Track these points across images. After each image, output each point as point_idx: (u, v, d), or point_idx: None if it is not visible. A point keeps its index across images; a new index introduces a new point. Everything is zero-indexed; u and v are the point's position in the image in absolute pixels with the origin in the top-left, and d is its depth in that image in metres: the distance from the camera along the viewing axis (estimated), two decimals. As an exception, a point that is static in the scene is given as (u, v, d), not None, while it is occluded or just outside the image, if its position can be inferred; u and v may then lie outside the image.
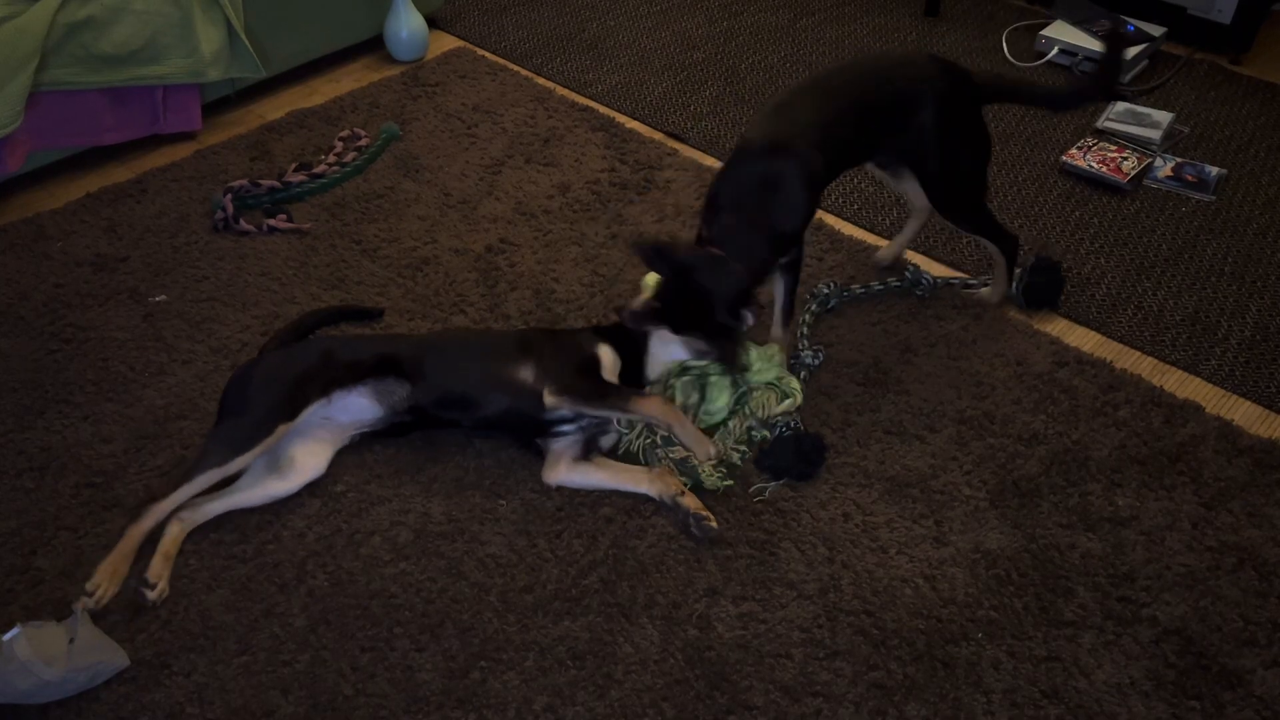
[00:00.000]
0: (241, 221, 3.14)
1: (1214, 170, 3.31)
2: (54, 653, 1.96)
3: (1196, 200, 3.23)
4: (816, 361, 2.63)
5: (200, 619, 2.12)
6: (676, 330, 2.36)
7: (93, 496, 2.36)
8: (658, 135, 3.59)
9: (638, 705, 1.96)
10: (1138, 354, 2.72)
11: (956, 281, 2.90)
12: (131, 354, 2.72)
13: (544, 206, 3.24)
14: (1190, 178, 3.29)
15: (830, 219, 3.20)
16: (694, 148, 3.53)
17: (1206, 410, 2.53)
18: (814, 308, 2.79)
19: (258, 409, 2.28)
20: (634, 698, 1.98)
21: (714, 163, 3.44)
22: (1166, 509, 2.30)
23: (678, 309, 2.31)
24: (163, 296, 2.90)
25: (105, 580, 2.13)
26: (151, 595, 2.12)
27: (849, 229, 3.16)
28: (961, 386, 2.61)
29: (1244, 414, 2.54)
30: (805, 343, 2.67)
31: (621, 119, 3.66)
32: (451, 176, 3.37)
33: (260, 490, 2.31)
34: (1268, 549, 2.21)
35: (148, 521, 2.21)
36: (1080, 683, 1.99)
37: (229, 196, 3.17)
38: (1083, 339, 2.77)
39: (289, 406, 2.29)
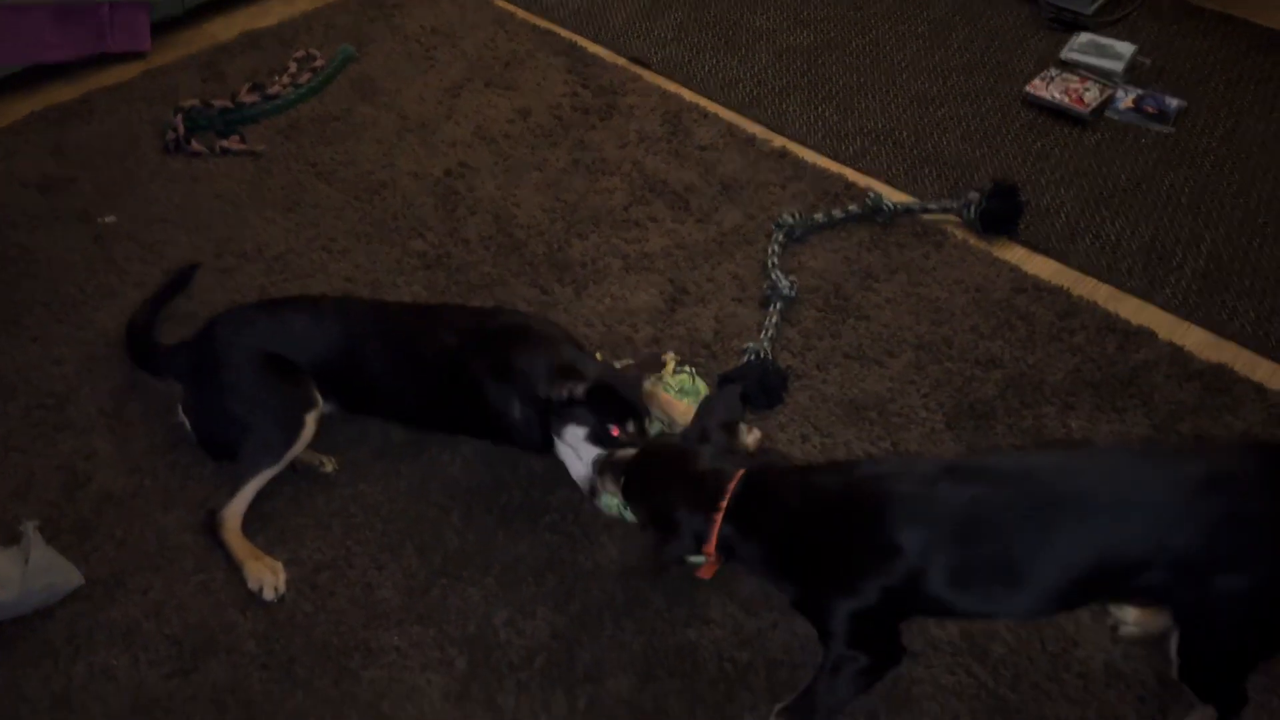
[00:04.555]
0: (193, 143, 3.06)
1: (1174, 102, 3.32)
2: (8, 574, 1.94)
3: (1156, 132, 3.25)
4: (792, 293, 2.63)
5: (156, 538, 2.10)
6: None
7: (44, 418, 2.32)
8: (621, 60, 3.53)
9: (598, 619, 1.98)
10: (1094, 281, 2.75)
11: (916, 207, 2.90)
12: (81, 276, 2.66)
13: (504, 131, 3.19)
14: (1150, 109, 3.31)
15: (794, 146, 3.18)
16: (657, 74, 3.48)
17: (1160, 336, 2.57)
18: (781, 238, 2.78)
19: (275, 410, 2.15)
20: (594, 611, 2.00)
21: (677, 88, 3.40)
22: (1118, 431, 2.34)
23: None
24: (112, 218, 2.84)
25: (264, 573, 2.02)
26: (270, 595, 2.02)
27: (812, 156, 3.14)
28: (921, 312, 2.62)
29: (1196, 340, 2.58)
30: (779, 274, 2.66)
31: (584, 43, 3.60)
32: (409, 100, 3.31)
33: None
34: (1214, 469, 2.27)
35: (231, 522, 2.08)
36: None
37: (180, 117, 3.09)
38: (1041, 266, 2.79)
39: (303, 395, 2.18)
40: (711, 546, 1.73)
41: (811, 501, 1.70)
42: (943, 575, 1.57)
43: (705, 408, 1.91)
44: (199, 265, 2.64)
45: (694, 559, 1.90)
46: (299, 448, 2.15)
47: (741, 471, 1.74)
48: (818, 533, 1.68)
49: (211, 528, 2.08)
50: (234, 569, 2.04)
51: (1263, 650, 1.63)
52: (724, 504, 1.71)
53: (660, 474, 1.82)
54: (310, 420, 2.16)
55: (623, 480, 1.88)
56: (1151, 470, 1.58)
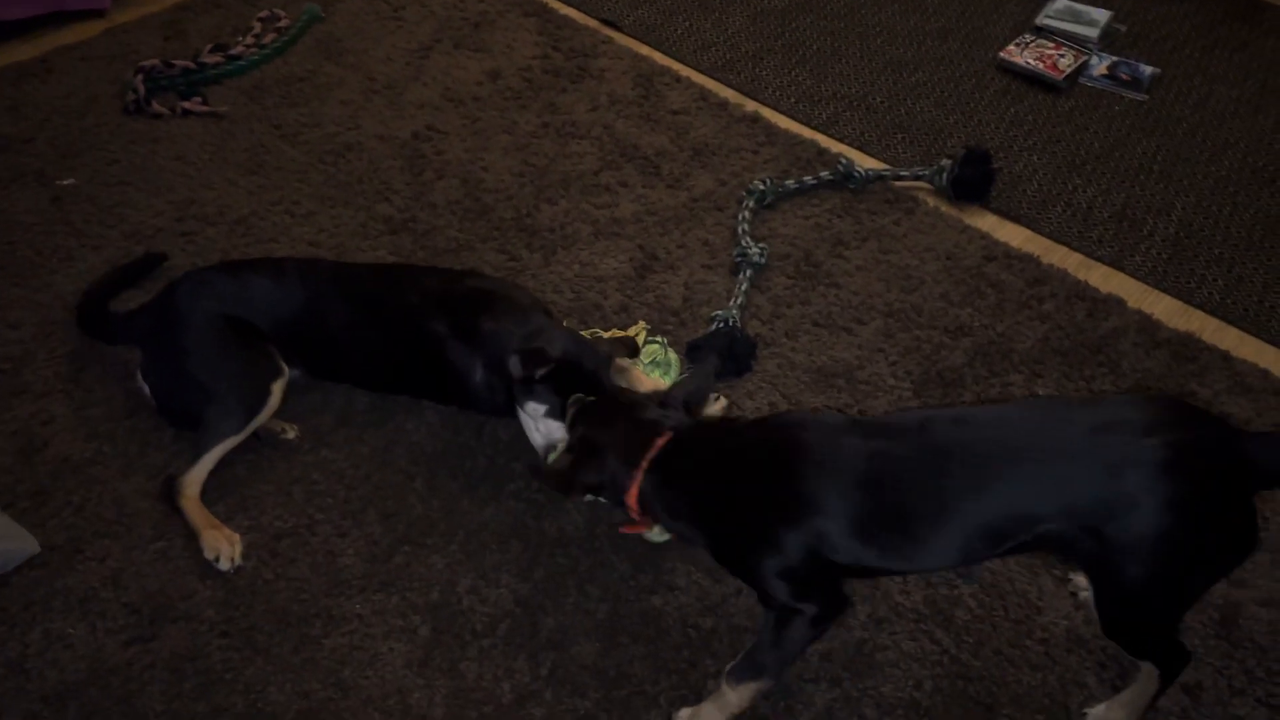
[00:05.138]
0: (154, 104, 3.00)
1: (1148, 69, 3.31)
2: (-40, 540, 1.91)
3: (1130, 99, 3.24)
4: (763, 260, 2.60)
5: (115, 505, 2.07)
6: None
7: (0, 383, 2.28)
8: (592, 22, 3.47)
9: (562, 586, 1.97)
10: (1065, 249, 2.74)
11: (888, 173, 2.88)
12: (39, 238, 2.61)
13: (473, 93, 3.14)
14: (1125, 76, 3.29)
15: (766, 112, 3.14)
16: (629, 36, 3.43)
17: (1129, 304, 2.57)
18: (752, 204, 2.75)
19: (240, 378, 2.11)
20: (558, 579, 1.98)
21: (650, 52, 3.36)
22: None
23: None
24: (71, 180, 2.78)
25: (220, 543, 1.98)
26: (226, 566, 1.98)
27: (785, 122, 3.11)
28: (891, 280, 2.61)
29: (1164, 308, 2.58)
30: (749, 240, 2.64)
31: (555, 4, 3.53)
32: (376, 60, 3.25)
33: None
34: (1179, 437, 2.27)
35: (190, 490, 2.04)
36: (994, 564, 2.04)
37: (140, 77, 3.02)
38: (1012, 234, 2.78)
39: (267, 363, 2.14)
40: (632, 497, 1.75)
41: (727, 454, 1.72)
42: (849, 525, 1.57)
43: (680, 380, 1.90)
44: (166, 257, 2.53)
45: (655, 537, 1.99)
46: (264, 417, 2.11)
47: (671, 432, 1.76)
48: (732, 482, 1.69)
49: (170, 495, 2.05)
50: (192, 537, 2.02)
51: (1177, 601, 1.61)
52: (649, 457, 1.73)
53: (605, 416, 1.85)
54: (277, 389, 2.13)
55: (573, 411, 1.91)
56: (1041, 420, 1.57)
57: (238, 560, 1.99)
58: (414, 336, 2.16)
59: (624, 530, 2.00)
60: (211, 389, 2.10)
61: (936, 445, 1.57)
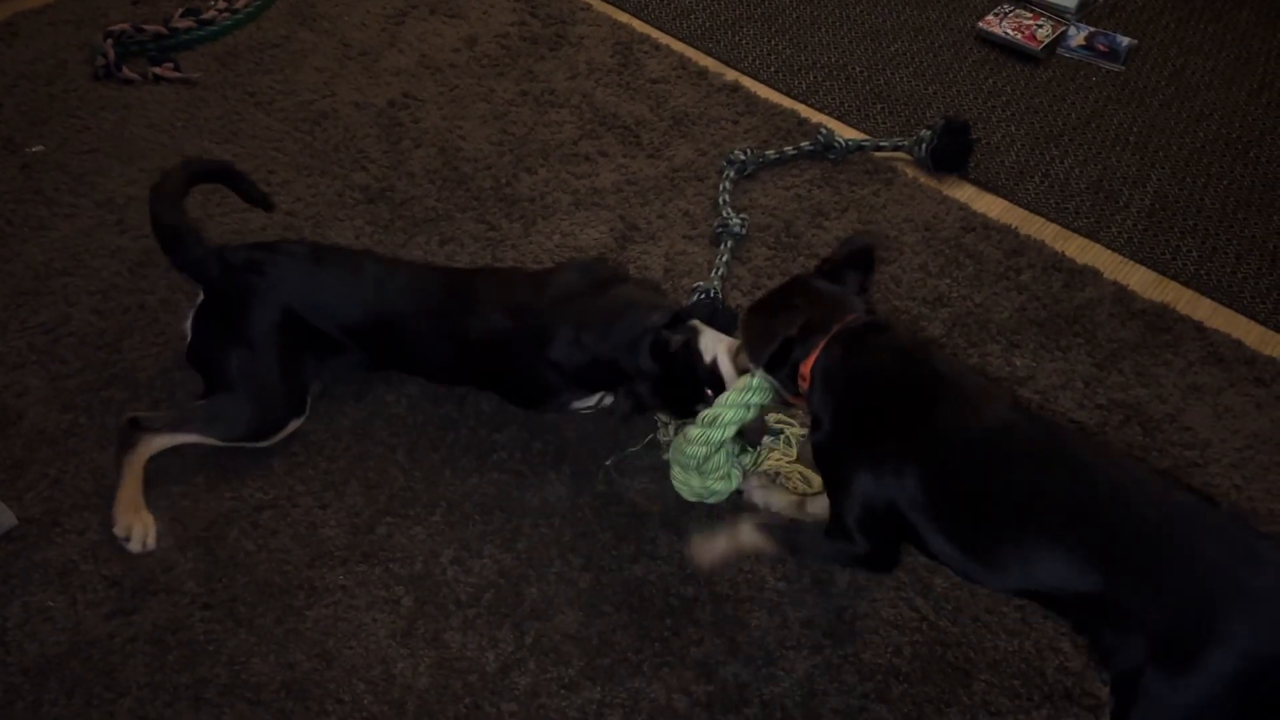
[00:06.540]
0: (125, 69, 2.94)
1: (1125, 40, 3.32)
2: (-64, 514, 1.89)
3: (1106, 70, 3.25)
4: (743, 231, 2.60)
5: (93, 477, 2.06)
6: None
7: (-29, 355, 2.25)
8: (570, -11, 3.44)
9: (545, 556, 1.98)
10: (1042, 220, 2.76)
11: (868, 144, 2.88)
12: (8, 207, 2.57)
13: (450, 60, 3.11)
14: (1102, 47, 3.30)
15: (746, 81, 3.13)
16: (608, 3, 3.40)
17: (1104, 275, 2.59)
18: (732, 174, 2.75)
19: (264, 395, 2.05)
20: (541, 549, 1.99)
21: (628, 19, 3.33)
22: (1061, 369, 2.37)
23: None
24: (40, 147, 2.73)
25: (130, 517, 1.96)
26: (137, 548, 1.96)
27: (765, 91, 3.10)
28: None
29: (1139, 279, 2.61)
30: (730, 211, 2.64)
31: (532, -29, 3.50)
32: (351, 26, 3.20)
33: None
34: (1153, 406, 2.30)
35: (144, 450, 2.01)
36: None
37: (110, 42, 2.96)
38: (990, 205, 2.79)
39: (297, 398, 2.10)
40: (808, 366, 1.69)
41: (886, 363, 1.67)
42: (935, 487, 1.54)
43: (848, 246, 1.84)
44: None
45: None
46: (255, 445, 2.08)
47: (856, 315, 1.72)
48: (875, 393, 1.66)
49: (125, 439, 1.99)
50: (170, 510, 2.00)
51: None
52: (836, 330, 1.69)
53: (780, 293, 1.81)
54: (288, 428, 2.08)
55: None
56: (1175, 494, 1.44)
57: (150, 544, 1.95)
58: (503, 353, 2.11)
59: (790, 401, 1.84)
60: (239, 387, 2.03)
61: (1066, 451, 1.51)
